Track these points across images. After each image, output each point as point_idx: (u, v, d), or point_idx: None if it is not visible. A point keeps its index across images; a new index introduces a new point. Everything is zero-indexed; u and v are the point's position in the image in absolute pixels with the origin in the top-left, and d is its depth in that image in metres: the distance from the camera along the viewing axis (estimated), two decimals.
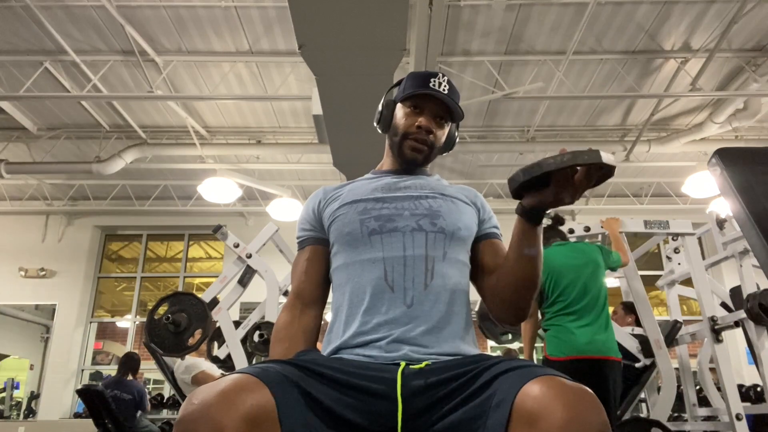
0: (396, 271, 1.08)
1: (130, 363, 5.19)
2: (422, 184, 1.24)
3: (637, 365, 3.47)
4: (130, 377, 5.11)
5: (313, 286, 1.21)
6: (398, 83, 1.32)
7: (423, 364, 0.97)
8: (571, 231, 3.58)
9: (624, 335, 3.51)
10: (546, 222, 3.13)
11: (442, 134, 1.27)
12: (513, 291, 1.10)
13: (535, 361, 3.06)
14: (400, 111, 1.27)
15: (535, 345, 3.11)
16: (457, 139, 1.34)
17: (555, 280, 2.83)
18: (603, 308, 2.80)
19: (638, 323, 3.73)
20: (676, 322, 3.78)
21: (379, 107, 1.32)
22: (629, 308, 3.98)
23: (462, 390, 0.90)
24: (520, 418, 0.77)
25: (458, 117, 1.27)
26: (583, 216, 8.27)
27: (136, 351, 8.06)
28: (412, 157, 1.24)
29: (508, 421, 0.78)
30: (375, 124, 1.35)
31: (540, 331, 2.98)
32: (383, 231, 1.12)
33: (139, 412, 4.99)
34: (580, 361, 2.63)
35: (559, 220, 3.18)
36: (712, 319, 3.44)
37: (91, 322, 8.33)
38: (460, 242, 1.16)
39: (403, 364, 0.97)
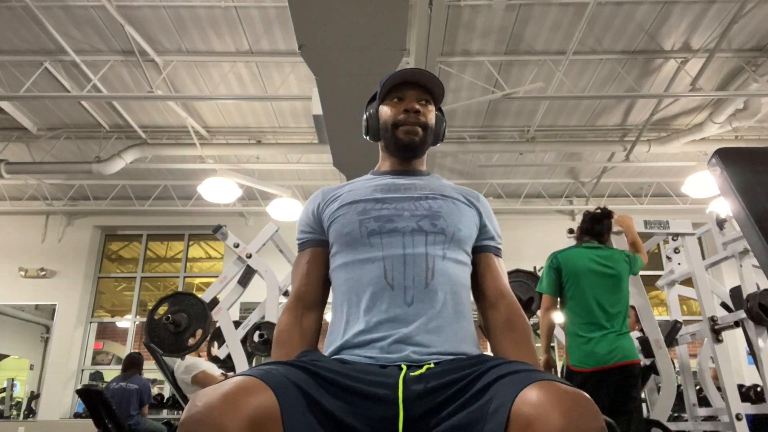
0: (396, 269, 1.08)
1: (135, 363, 5.40)
2: (422, 184, 1.23)
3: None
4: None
5: (314, 288, 1.22)
6: (374, 96, 1.35)
7: (424, 369, 0.96)
8: (571, 231, 3.57)
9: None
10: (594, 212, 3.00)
11: (430, 114, 1.28)
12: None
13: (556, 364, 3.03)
14: (383, 110, 1.28)
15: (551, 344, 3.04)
16: (446, 127, 1.35)
17: (575, 284, 2.78)
18: (624, 317, 2.76)
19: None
20: (676, 322, 3.78)
21: (364, 120, 1.34)
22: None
23: (461, 394, 0.89)
24: (518, 424, 0.77)
25: (439, 96, 1.29)
26: None
27: (137, 351, 8.10)
28: (409, 140, 1.24)
29: (506, 427, 0.78)
30: (365, 136, 1.35)
31: (560, 332, 2.94)
32: (383, 231, 1.12)
33: (138, 412, 5.05)
34: (604, 371, 2.60)
35: (606, 214, 2.98)
36: (712, 319, 3.44)
37: (91, 322, 8.33)
38: (460, 243, 1.16)
39: (404, 368, 0.96)
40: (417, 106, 1.24)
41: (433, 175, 1.31)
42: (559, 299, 2.89)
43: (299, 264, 1.24)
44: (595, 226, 2.97)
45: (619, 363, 2.63)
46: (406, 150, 1.26)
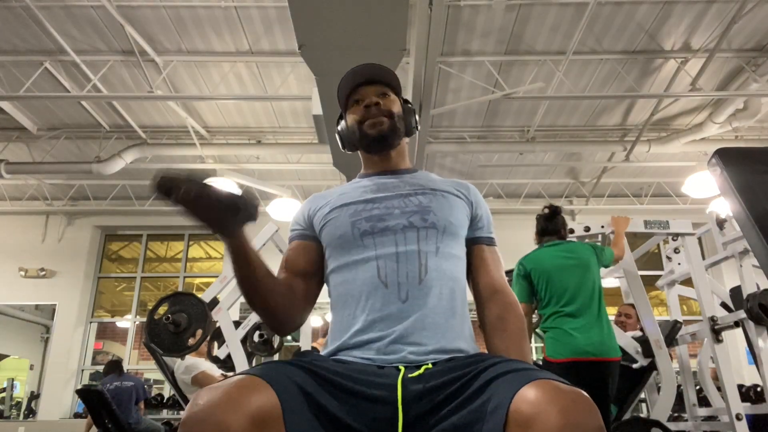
0: (389, 267, 1.08)
1: (118, 364, 5.71)
2: (411, 181, 1.24)
3: (634, 366, 3.47)
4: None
5: (297, 261, 1.22)
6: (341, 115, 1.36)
7: (422, 369, 0.96)
8: (571, 231, 3.57)
9: (623, 337, 3.50)
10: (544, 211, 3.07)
11: (392, 103, 1.27)
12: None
13: (532, 362, 3.05)
14: (348, 117, 1.30)
15: (536, 345, 3.09)
16: (416, 117, 1.33)
17: (546, 282, 2.82)
18: (599, 307, 2.78)
19: None
20: (676, 322, 3.78)
21: (337, 136, 1.35)
22: None
23: (460, 393, 0.89)
24: (516, 423, 0.77)
25: (395, 85, 1.30)
26: (583, 216, 8.27)
27: (136, 351, 8.12)
28: (377, 132, 1.24)
29: (504, 425, 0.78)
30: (342, 150, 1.36)
31: (539, 331, 2.98)
32: (375, 231, 1.12)
33: (138, 408, 5.10)
34: (580, 363, 2.62)
35: (555, 211, 3.04)
36: (712, 319, 3.44)
37: (91, 322, 8.33)
38: (452, 236, 1.15)
39: (402, 369, 0.97)
40: (375, 99, 1.25)
41: (420, 171, 1.31)
42: (536, 303, 2.90)
43: (285, 252, 1.26)
44: (548, 225, 3.02)
45: (596, 358, 2.64)
46: (378, 141, 1.26)
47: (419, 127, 1.36)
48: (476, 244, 1.23)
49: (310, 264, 1.22)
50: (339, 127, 1.34)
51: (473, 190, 1.28)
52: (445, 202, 1.18)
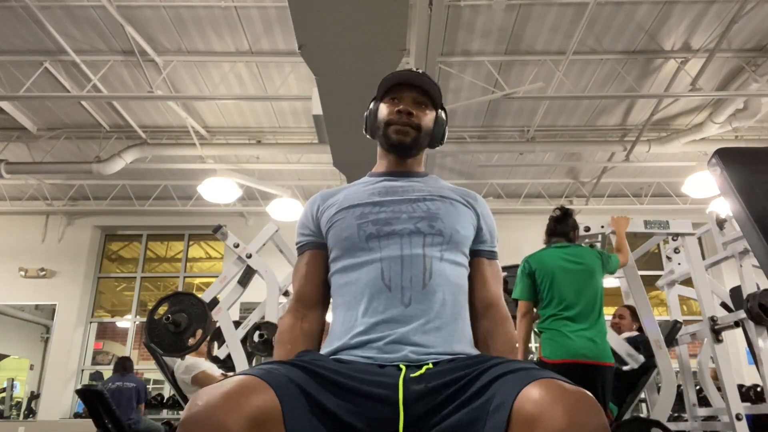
0: (393, 270, 1.08)
1: (126, 363, 5.66)
2: (420, 186, 1.23)
3: (624, 368, 3.46)
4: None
5: (314, 289, 1.22)
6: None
7: (423, 369, 0.96)
8: None
9: (616, 340, 3.51)
10: (555, 213, 3.07)
11: (426, 117, 1.26)
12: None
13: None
14: (381, 108, 1.28)
15: (535, 345, 3.09)
16: (447, 129, 1.33)
17: (550, 283, 2.82)
18: (599, 313, 2.79)
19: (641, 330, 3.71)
20: (676, 322, 3.78)
21: (364, 117, 1.34)
22: (636, 314, 3.94)
23: (461, 393, 0.89)
24: (519, 422, 0.77)
25: (438, 101, 1.29)
26: (583, 216, 8.25)
27: (136, 351, 8.11)
28: (399, 140, 1.24)
29: (507, 424, 0.78)
30: (364, 132, 1.36)
31: (536, 328, 2.98)
32: (381, 235, 1.12)
33: (139, 409, 5.10)
34: (575, 365, 2.62)
35: (567, 213, 3.04)
36: (712, 319, 3.44)
37: (91, 322, 8.33)
38: (457, 245, 1.15)
39: (404, 369, 0.96)
40: (410, 108, 1.24)
41: (430, 175, 1.31)
42: (536, 301, 2.91)
43: (299, 267, 1.25)
44: (558, 227, 3.02)
45: (592, 362, 2.65)
46: (397, 149, 1.26)
47: (444, 142, 1.35)
48: (477, 257, 1.23)
49: (322, 280, 1.22)
50: (369, 110, 1.33)
51: (481, 201, 1.28)
52: (453, 210, 1.18)
